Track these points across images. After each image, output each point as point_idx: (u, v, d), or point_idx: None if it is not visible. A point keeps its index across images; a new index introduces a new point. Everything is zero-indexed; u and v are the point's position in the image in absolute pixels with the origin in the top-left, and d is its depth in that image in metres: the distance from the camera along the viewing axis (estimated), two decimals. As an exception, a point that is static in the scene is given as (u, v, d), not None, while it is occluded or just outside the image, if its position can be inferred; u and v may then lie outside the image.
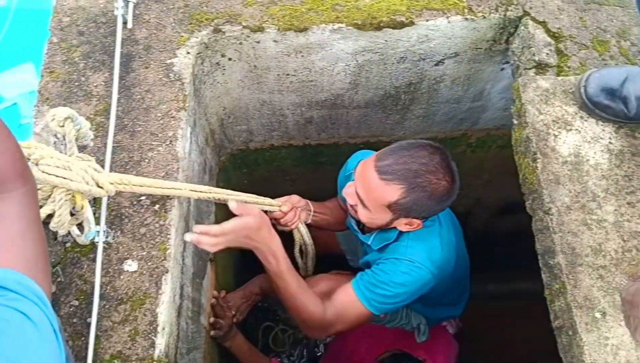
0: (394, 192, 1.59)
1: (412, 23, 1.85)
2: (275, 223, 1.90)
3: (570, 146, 1.56)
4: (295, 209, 1.90)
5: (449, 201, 1.71)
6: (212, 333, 2.24)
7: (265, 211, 1.86)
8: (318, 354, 3.79)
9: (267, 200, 1.90)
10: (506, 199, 3.29)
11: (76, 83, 1.71)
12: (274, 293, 1.86)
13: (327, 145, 2.57)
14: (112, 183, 1.40)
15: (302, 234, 2.07)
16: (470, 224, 3.59)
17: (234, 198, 1.71)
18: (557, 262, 1.44)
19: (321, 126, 2.42)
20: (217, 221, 2.29)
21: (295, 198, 1.95)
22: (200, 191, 1.58)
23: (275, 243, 1.65)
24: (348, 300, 1.76)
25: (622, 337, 1.35)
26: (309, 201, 2.10)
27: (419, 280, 1.76)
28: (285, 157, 2.65)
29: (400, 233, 1.78)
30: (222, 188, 2.56)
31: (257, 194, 3.01)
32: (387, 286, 1.73)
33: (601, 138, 1.58)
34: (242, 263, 3.18)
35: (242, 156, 2.57)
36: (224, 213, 2.28)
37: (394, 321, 2.20)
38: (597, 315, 1.37)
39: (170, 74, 1.74)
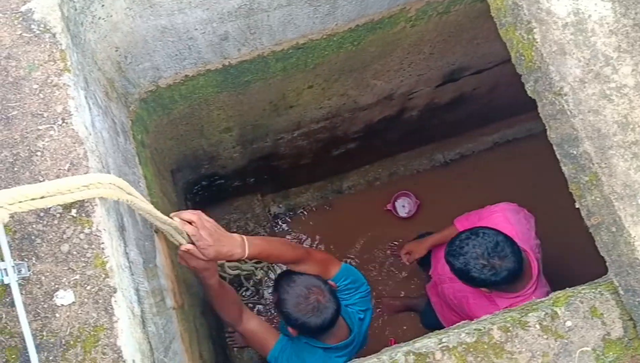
0: None
1: None
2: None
3: (566, 3, 1.26)
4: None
5: None
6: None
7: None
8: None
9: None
10: (449, 67, 3.03)
11: None
12: None
13: (251, 60, 2.15)
14: (1, 207, 0.99)
15: None
16: (412, 102, 3.35)
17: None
18: (583, 151, 1.19)
19: (240, 40, 1.99)
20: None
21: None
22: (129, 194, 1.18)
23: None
24: (266, 341, 2.21)
25: (672, 219, 1.16)
26: None
27: None
28: (205, 85, 2.21)
29: None
30: (142, 140, 2.15)
31: (184, 135, 2.61)
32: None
33: (598, -16, 1.28)
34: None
35: (154, 97, 2.11)
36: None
37: None
38: (641, 201, 1.16)
39: (33, 26, 1.25)
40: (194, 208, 3.35)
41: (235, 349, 3.74)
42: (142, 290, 1.43)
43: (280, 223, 4.11)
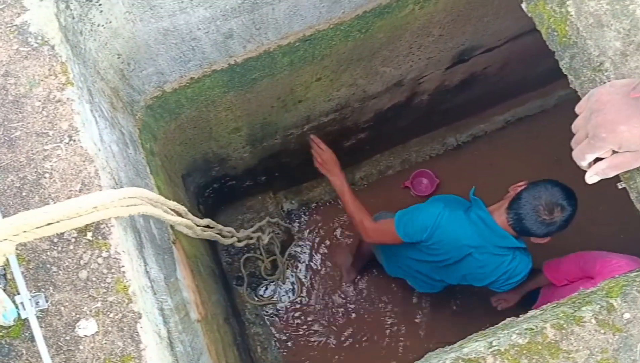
0: None
1: None
2: None
3: (600, -30, 1.16)
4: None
5: None
6: None
7: None
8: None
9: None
10: (458, 48, 2.93)
11: None
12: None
13: (257, 57, 2.07)
14: (5, 239, 0.92)
15: None
16: (422, 87, 3.26)
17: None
18: (630, 129, 1.10)
19: (245, 36, 1.90)
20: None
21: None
22: (145, 200, 1.11)
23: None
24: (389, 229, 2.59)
25: None
26: None
27: None
28: (211, 87, 2.13)
29: None
30: (151, 148, 2.07)
31: (193, 139, 2.53)
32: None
33: (633, -53, 1.18)
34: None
35: (160, 103, 2.03)
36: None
37: None
38: (699, 179, 1.07)
39: (30, 39, 1.17)
40: (206, 212, 3.30)
41: (259, 349, 3.68)
42: (167, 309, 1.36)
43: (294, 219, 4.04)
